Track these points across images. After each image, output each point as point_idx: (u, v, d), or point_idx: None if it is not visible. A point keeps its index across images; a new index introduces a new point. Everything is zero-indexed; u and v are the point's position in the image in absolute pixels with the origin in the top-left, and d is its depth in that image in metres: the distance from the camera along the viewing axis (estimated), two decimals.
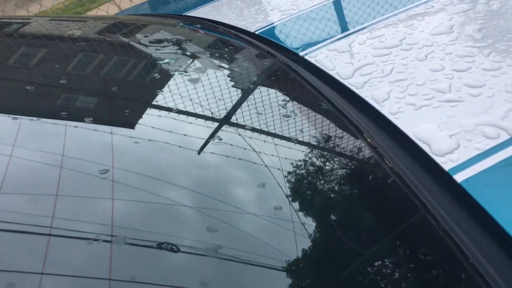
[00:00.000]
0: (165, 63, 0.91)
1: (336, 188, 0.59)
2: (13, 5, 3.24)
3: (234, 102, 0.78)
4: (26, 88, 0.79)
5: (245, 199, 0.55)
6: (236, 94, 0.82)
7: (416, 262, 0.48)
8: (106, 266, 0.43)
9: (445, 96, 0.65)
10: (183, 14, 1.61)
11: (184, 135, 0.67)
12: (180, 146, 0.65)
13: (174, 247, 0.46)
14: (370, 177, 0.61)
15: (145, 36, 1.11)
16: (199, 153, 0.62)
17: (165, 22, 1.54)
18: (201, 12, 1.54)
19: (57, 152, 0.59)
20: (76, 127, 0.66)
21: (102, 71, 0.89)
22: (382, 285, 0.47)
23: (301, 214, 0.53)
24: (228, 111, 0.76)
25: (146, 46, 1.03)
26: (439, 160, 0.55)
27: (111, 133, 0.65)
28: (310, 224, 0.53)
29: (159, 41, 1.05)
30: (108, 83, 0.84)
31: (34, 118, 0.67)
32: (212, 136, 0.67)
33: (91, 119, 0.68)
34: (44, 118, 0.68)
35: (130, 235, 0.47)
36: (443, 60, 0.73)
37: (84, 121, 0.67)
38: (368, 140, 0.62)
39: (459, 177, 0.52)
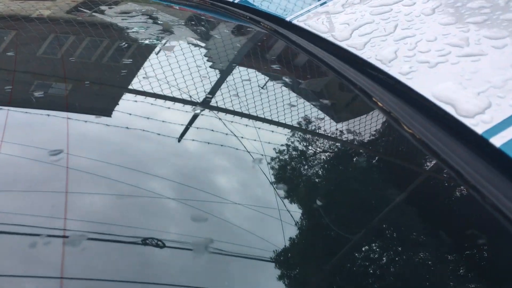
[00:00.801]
0: (145, 42, 0.80)
1: (357, 164, 0.49)
2: None
3: (222, 81, 0.68)
4: None
5: (246, 189, 0.46)
6: (223, 72, 0.71)
7: (467, 243, 0.39)
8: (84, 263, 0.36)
9: (464, 50, 0.56)
10: None
11: (186, 116, 0.57)
12: (187, 128, 0.54)
13: (159, 243, 0.40)
14: (391, 148, 0.52)
15: (116, 12, 0.99)
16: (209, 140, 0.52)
17: None
18: None
19: (24, 141, 0.51)
20: (48, 115, 0.56)
21: (77, 53, 0.77)
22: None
23: (304, 203, 0.44)
24: (217, 90, 0.65)
25: (118, 23, 0.91)
26: (468, 122, 0.45)
27: (86, 121, 0.56)
28: (326, 216, 0.43)
29: (132, 17, 0.94)
30: (82, 66, 0.73)
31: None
32: (207, 115, 0.58)
33: (64, 105, 0.59)
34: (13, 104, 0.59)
35: (111, 231, 0.40)
36: (454, 14, 0.64)
37: (58, 108, 0.58)
38: (379, 103, 0.52)
39: (496, 141, 0.42)
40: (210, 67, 0.72)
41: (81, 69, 0.70)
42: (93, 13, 1.01)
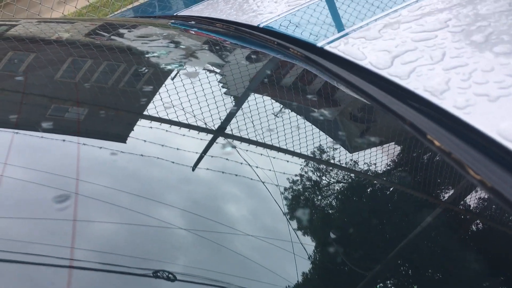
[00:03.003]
0: (164, 67, 0.75)
1: (416, 210, 0.43)
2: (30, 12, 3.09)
3: (244, 110, 0.62)
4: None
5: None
6: (246, 101, 0.66)
7: None
8: None
9: None
10: (174, 14, 1.46)
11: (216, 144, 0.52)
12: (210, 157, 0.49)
13: (170, 275, 0.37)
14: (452, 195, 0.45)
15: (139, 39, 0.94)
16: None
17: (159, 24, 1.37)
18: (194, 10, 1.38)
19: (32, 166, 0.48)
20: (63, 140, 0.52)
21: (91, 77, 0.73)
22: None
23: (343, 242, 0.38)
24: (238, 120, 0.59)
25: (143, 50, 0.86)
26: None
27: (101, 147, 0.51)
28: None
29: (157, 44, 0.89)
30: (96, 90, 0.68)
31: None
32: (230, 144, 0.52)
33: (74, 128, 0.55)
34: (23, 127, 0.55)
35: (120, 262, 0.38)
36: (511, 41, 0.57)
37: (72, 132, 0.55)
38: (435, 142, 0.46)
39: None
40: (227, 94, 0.66)
41: (96, 94, 0.65)
42: (112, 37, 0.97)
